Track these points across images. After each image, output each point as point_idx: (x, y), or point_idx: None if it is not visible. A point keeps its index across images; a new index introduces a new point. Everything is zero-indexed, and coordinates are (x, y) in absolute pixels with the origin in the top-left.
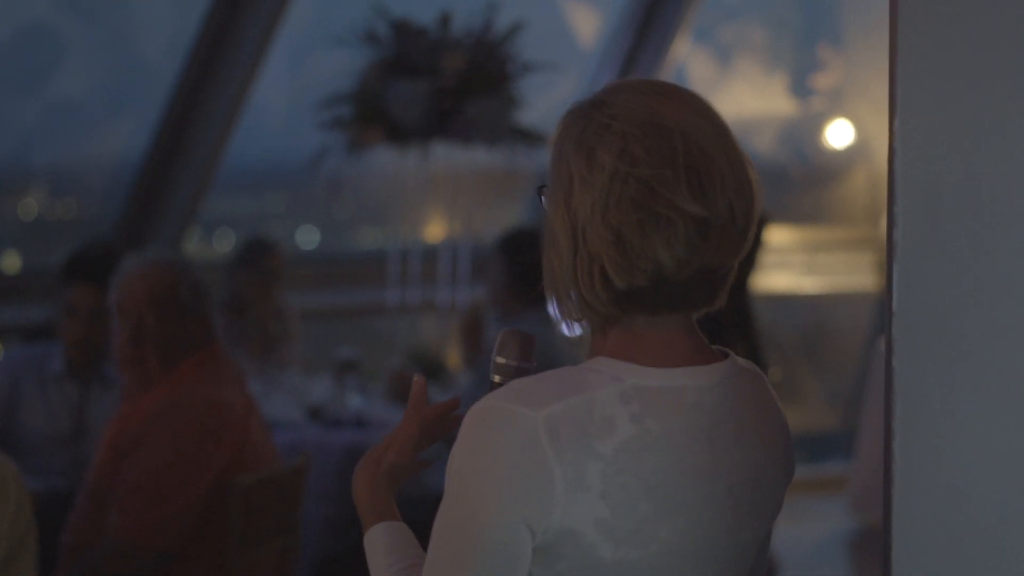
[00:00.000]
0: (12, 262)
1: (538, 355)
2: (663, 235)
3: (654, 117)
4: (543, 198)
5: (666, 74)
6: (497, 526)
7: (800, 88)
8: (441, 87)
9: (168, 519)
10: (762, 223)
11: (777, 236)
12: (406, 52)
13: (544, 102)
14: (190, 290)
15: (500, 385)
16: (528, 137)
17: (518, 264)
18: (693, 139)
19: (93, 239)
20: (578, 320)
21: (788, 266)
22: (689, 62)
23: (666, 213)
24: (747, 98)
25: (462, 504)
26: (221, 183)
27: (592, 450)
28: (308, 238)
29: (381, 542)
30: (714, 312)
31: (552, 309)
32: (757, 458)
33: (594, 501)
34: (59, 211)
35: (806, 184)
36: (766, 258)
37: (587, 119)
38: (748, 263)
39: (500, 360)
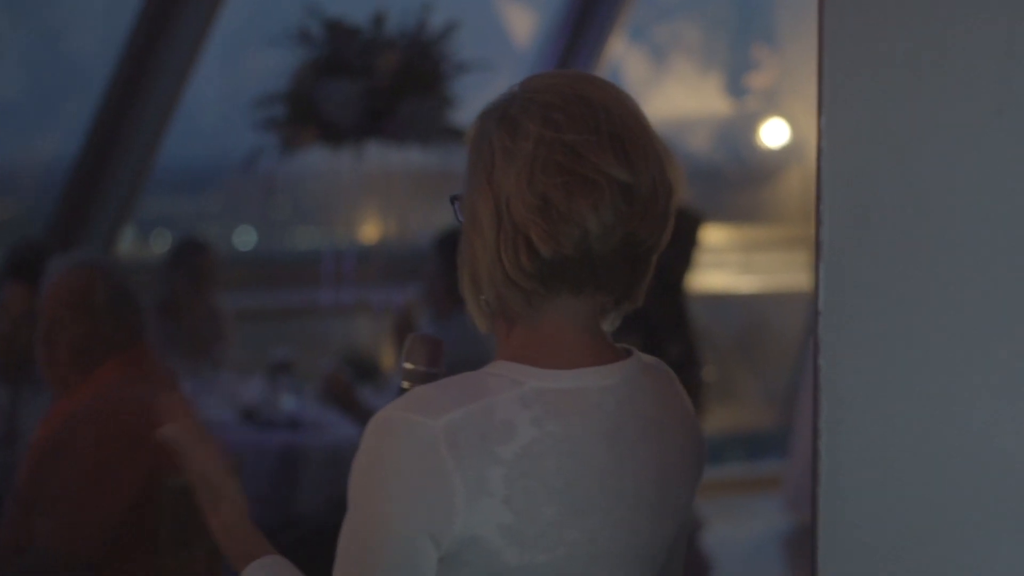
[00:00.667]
0: None
1: (478, 355)
2: (590, 199)
3: (576, 92)
4: (457, 204)
5: (601, 73)
6: (399, 538)
7: (735, 87)
8: (375, 87)
9: (94, 525)
10: (697, 222)
11: (712, 235)
12: (339, 52)
13: (479, 102)
14: (108, 292)
15: (401, 391)
16: (462, 137)
17: (454, 264)
18: (615, 112)
19: (25, 239)
20: (490, 314)
21: (724, 265)
22: (624, 62)
23: (593, 177)
24: (682, 98)
25: (363, 517)
26: (158, 183)
27: (493, 455)
28: (245, 239)
29: None
30: (650, 312)
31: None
32: (664, 456)
33: (497, 507)
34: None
35: (741, 183)
36: (702, 257)
37: (509, 99)
38: (683, 262)
39: (408, 366)
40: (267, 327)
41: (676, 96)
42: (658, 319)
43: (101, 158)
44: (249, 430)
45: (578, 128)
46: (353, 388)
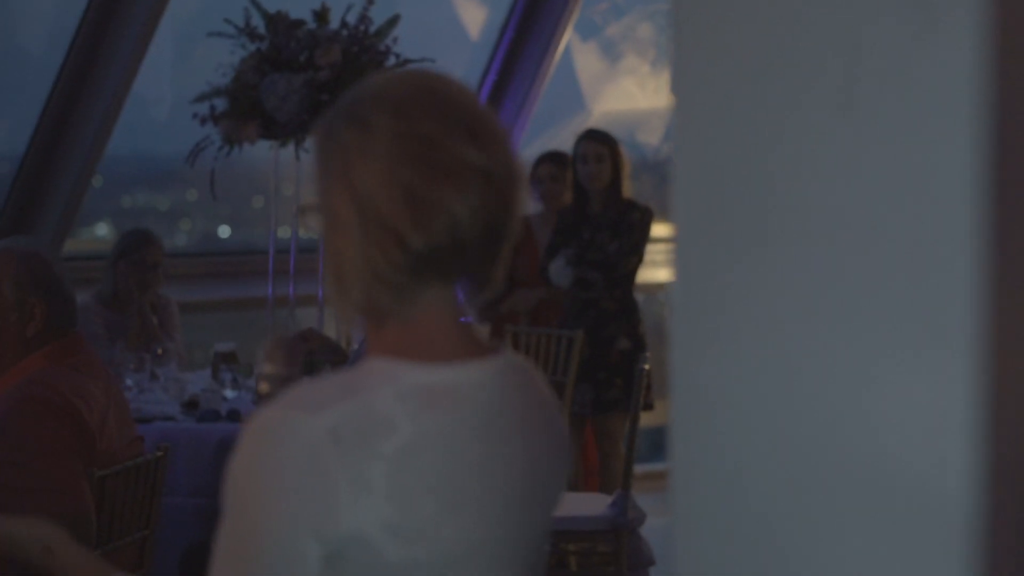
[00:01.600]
0: None
1: None
2: (454, 185)
3: (423, 85)
4: (303, 214)
5: (552, 68)
6: (283, 539)
7: None
8: (317, 80)
9: (75, 507)
10: (649, 216)
11: (664, 229)
12: (282, 45)
13: None
14: (15, 282)
15: (268, 394)
16: None
17: None
18: (464, 102)
19: None
20: (357, 313)
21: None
22: (576, 56)
23: (453, 164)
24: (635, 92)
25: (244, 518)
26: (112, 177)
27: (375, 452)
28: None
29: None
30: (601, 303)
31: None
32: (534, 451)
33: (379, 503)
34: None
35: None
36: (653, 251)
37: (354, 100)
38: (635, 255)
39: (267, 369)
40: (217, 319)
41: (629, 91)
42: (609, 311)
43: (49, 151)
44: (190, 422)
45: (431, 118)
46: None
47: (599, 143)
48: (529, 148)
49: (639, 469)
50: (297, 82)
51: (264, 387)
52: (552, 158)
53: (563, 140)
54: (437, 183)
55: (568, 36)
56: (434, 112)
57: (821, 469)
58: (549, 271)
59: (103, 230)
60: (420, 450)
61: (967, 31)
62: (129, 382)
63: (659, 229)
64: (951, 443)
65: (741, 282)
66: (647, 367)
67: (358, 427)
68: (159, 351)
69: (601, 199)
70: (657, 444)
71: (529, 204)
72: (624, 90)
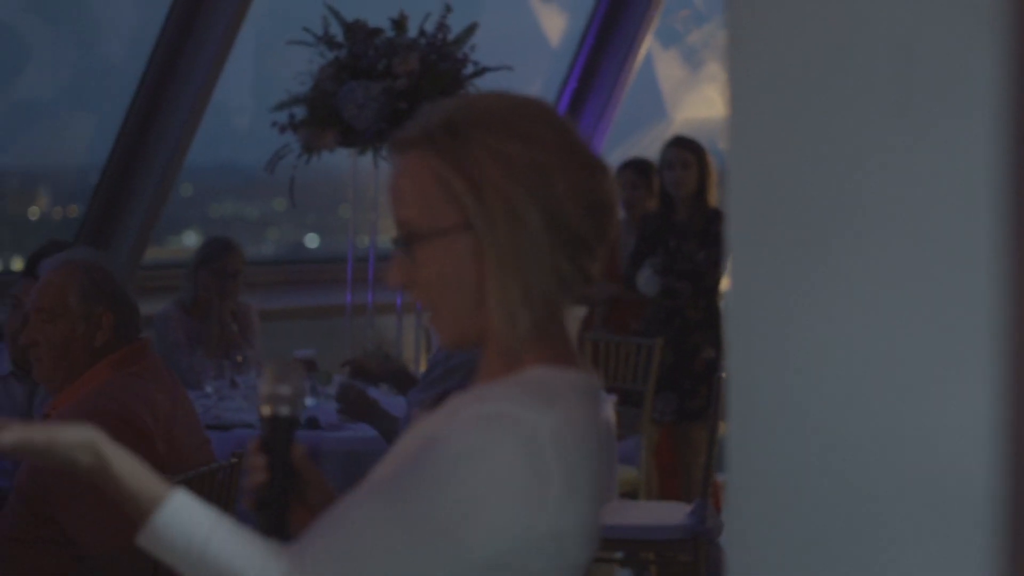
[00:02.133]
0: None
1: None
2: (614, 198)
3: (540, 106)
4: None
5: (632, 75)
6: (482, 525)
7: None
8: (395, 89)
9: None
10: None
11: None
12: (360, 54)
13: None
14: (80, 294)
15: (271, 418)
16: None
17: None
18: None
19: (50, 239)
20: (527, 318)
21: None
22: (657, 63)
23: (606, 181)
24: (716, 100)
25: (448, 503)
26: (190, 185)
27: (584, 454)
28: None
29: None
30: (687, 314)
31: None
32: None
33: (583, 505)
34: (63, 212)
35: None
36: None
37: (496, 114)
38: (719, 265)
39: (268, 391)
40: (296, 328)
41: (710, 98)
42: (694, 320)
43: (131, 159)
44: None
45: (579, 139)
46: (365, 395)
47: (686, 150)
48: (610, 155)
49: (719, 479)
50: (375, 90)
51: (266, 410)
52: (634, 165)
53: (644, 148)
54: (606, 195)
55: (648, 43)
56: (574, 135)
57: (878, 476)
58: (636, 280)
59: (191, 239)
60: (599, 453)
61: (1018, 36)
62: (209, 389)
63: None
64: (1008, 451)
65: (796, 289)
66: (724, 375)
67: (573, 429)
68: (239, 358)
69: (687, 207)
70: None
71: None
72: (706, 97)
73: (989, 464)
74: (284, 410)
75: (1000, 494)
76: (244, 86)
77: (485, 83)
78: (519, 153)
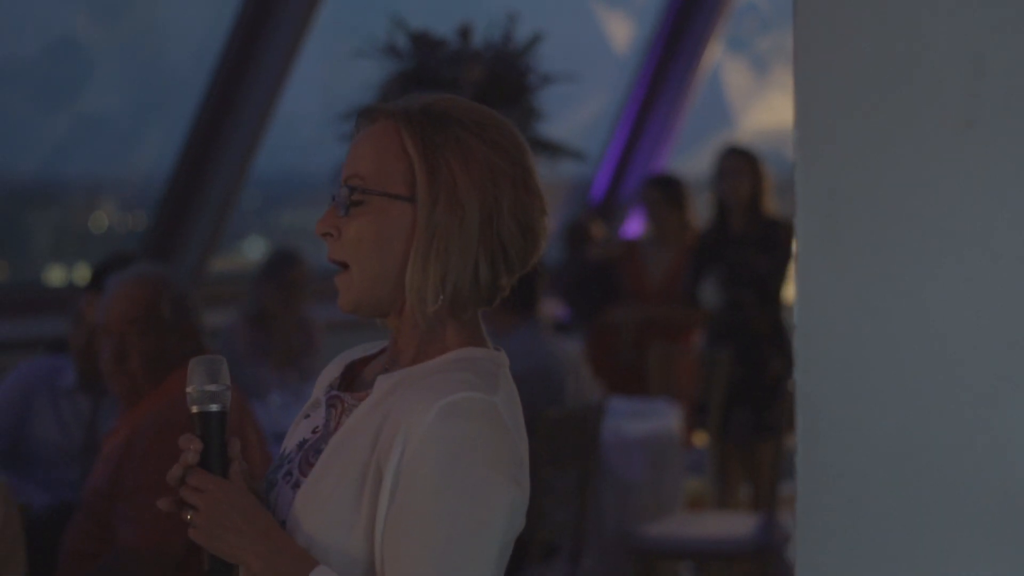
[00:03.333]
0: (83, 274)
1: (535, 365)
2: (545, 226)
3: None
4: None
5: (699, 83)
6: (509, 513)
7: None
8: None
9: (172, 524)
10: (793, 232)
11: None
12: (425, 64)
13: (566, 113)
14: (171, 305)
15: (199, 415)
16: (549, 148)
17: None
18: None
19: (115, 251)
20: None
21: None
22: (725, 72)
23: (542, 206)
24: (785, 108)
25: (471, 495)
26: (258, 194)
27: (521, 429)
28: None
29: None
30: (750, 323)
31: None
32: None
33: (526, 480)
34: (129, 223)
35: None
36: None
37: (478, 116)
38: (781, 273)
39: (191, 389)
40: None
41: (779, 106)
42: (757, 331)
43: (196, 170)
44: None
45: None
46: None
47: (738, 158)
48: (676, 163)
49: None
50: None
51: (195, 409)
52: (659, 182)
53: (709, 156)
54: (540, 221)
55: (717, 51)
56: (533, 164)
57: (948, 487)
58: (699, 294)
59: (255, 249)
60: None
61: None
62: (276, 399)
63: None
64: None
65: (863, 299)
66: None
67: (514, 407)
68: (303, 369)
69: (742, 216)
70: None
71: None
72: (774, 104)
73: None
74: (214, 407)
75: None
76: (310, 95)
77: (550, 92)
78: (481, 152)
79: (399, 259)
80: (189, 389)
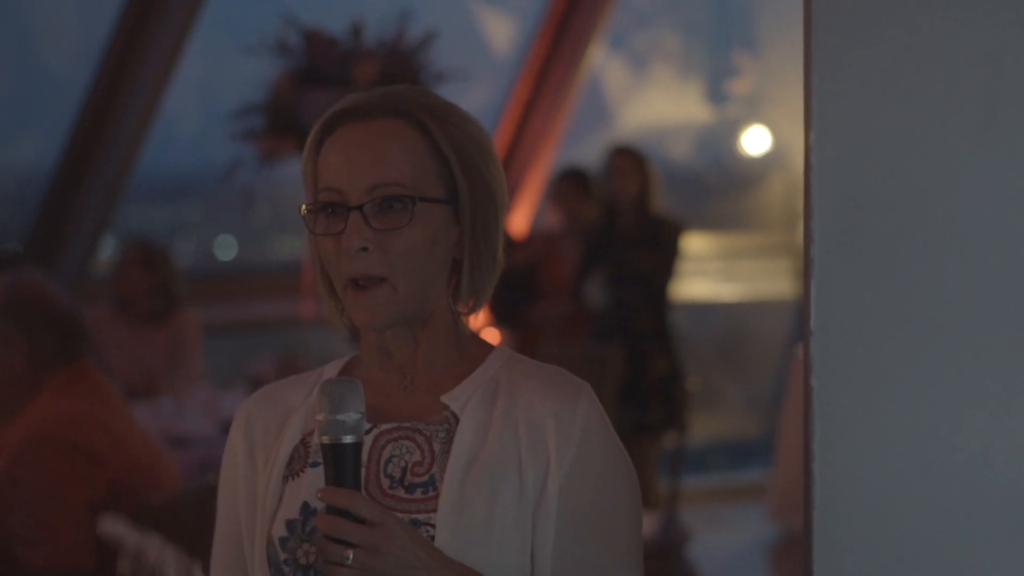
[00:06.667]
0: None
1: None
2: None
3: None
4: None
5: (581, 81)
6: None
7: (715, 94)
8: None
9: (80, 542)
10: (679, 231)
11: (694, 243)
12: (317, 62)
13: None
14: (35, 312)
15: (328, 446)
16: None
17: None
18: None
19: None
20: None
21: (705, 273)
22: (604, 69)
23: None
24: (662, 105)
25: (631, 480)
26: (138, 193)
27: None
28: (226, 248)
29: None
30: (634, 322)
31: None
32: None
33: None
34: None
35: (722, 191)
36: (683, 266)
37: (472, 127)
38: (666, 271)
39: (342, 417)
40: (248, 339)
41: (656, 103)
42: (642, 329)
43: (79, 168)
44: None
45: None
46: None
47: (626, 157)
48: (560, 162)
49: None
50: (334, 99)
51: (326, 440)
52: (573, 174)
53: (590, 154)
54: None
55: (596, 49)
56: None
57: (968, 495)
58: (584, 292)
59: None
60: None
61: None
62: (166, 403)
63: (690, 243)
64: None
65: (880, 303)
66: (688, 389)
67: None
68: (182, 373)
69: (630, 214)
70: (693, 462)
71: (554, 219)
72: (651, 102)
73: None
74: (347, 439)
75: None
76: (186, 93)
77: (440, 91)
78: (486, 141)
79: (440, 266)
80: (319, 417)
